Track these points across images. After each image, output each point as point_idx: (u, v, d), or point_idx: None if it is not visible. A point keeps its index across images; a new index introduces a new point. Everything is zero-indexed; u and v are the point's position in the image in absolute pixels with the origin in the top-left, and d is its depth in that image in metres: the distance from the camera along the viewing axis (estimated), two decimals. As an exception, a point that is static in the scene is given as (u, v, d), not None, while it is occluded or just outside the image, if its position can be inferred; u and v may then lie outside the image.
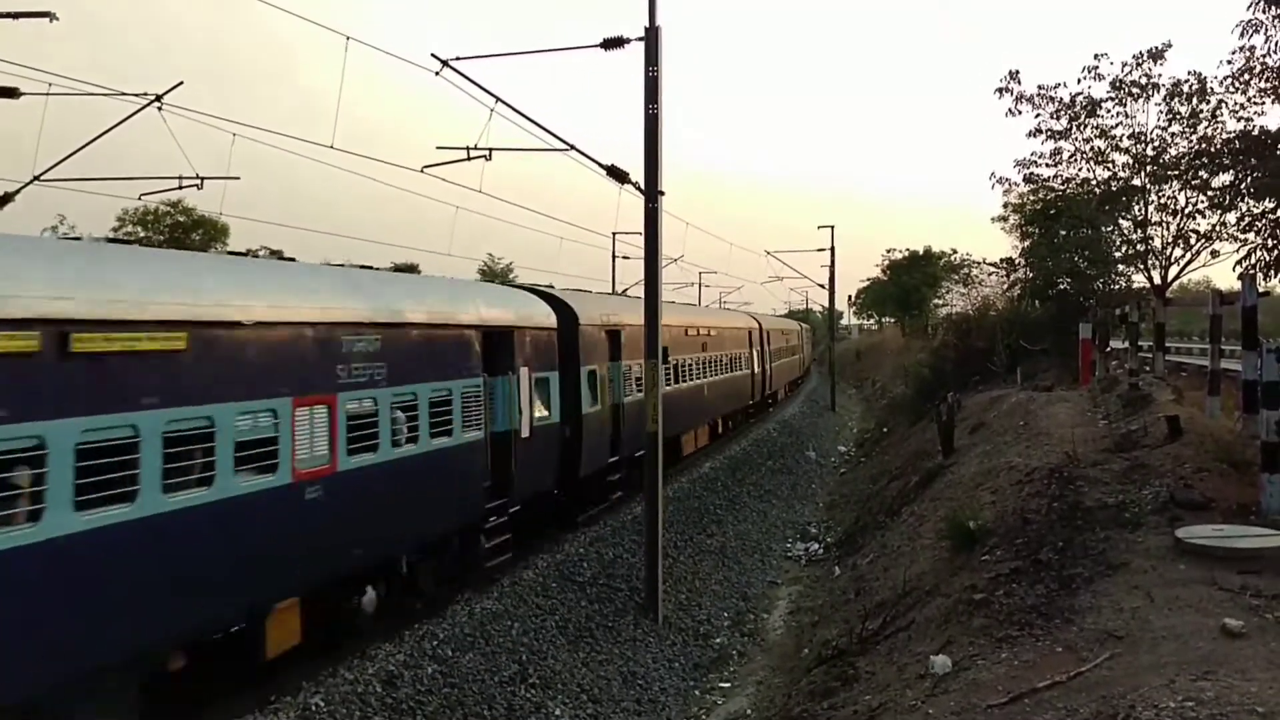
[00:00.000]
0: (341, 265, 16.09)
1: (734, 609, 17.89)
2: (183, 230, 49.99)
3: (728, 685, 14.57)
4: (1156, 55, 30.05)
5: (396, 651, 12.36)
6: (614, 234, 46.83)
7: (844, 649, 12.45)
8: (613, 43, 16.14)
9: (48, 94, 17.35)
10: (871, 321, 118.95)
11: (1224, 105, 28.87)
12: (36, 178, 18.78)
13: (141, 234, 49.28)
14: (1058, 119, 31.46)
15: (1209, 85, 29.17)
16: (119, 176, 22.87)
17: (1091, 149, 31.68)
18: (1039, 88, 31.36)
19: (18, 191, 19.02)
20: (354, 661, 11.90)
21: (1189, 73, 29.99)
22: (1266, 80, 26.42)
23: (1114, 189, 31.73)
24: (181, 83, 17.16)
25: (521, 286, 20.27)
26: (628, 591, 16.75)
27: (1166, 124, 30.44)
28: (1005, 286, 40.77)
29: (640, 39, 16.05)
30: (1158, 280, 32.01)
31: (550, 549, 17.87)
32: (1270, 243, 25.26)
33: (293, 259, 13.43)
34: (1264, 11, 20.13)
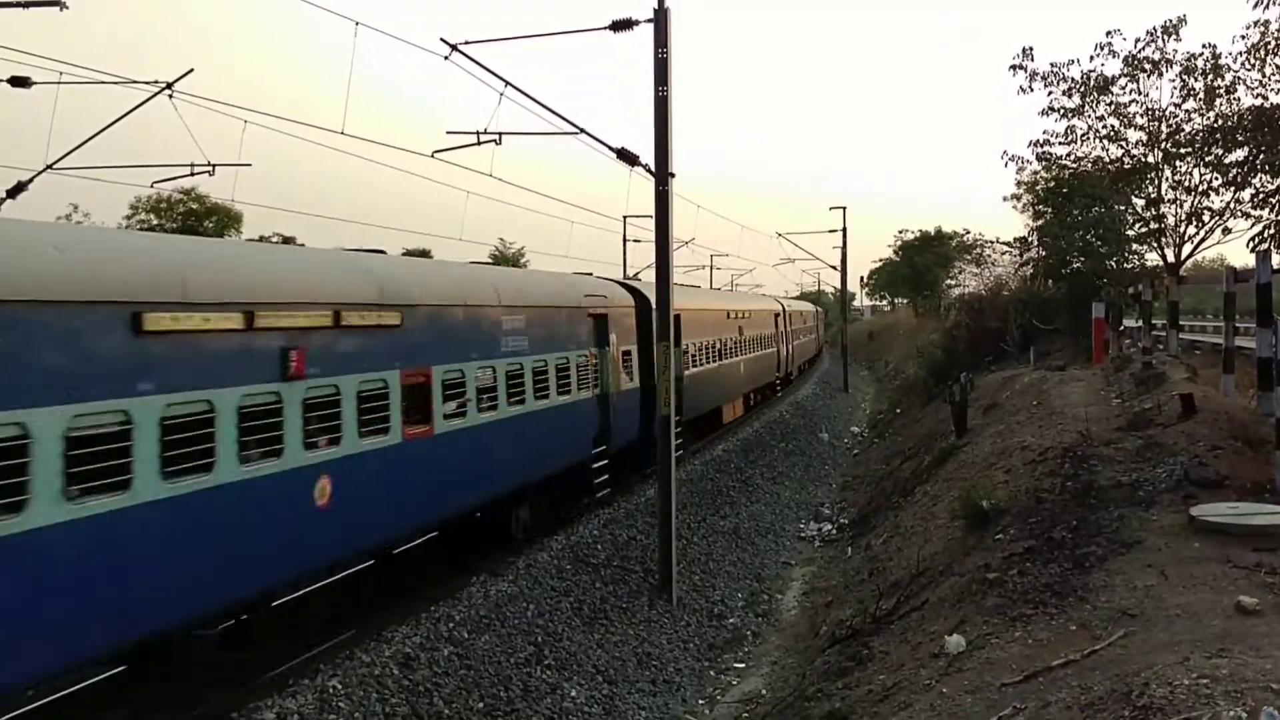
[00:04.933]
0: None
1: (748, 590, 17.94)
2: (196, 218, 50.05)
3: (742, 666, 14.63)
4: (1171, 31, 29.79)
5: (413, 633, 12.43)
6: (625, 217, 46.81)
7: (858, 629, 12.50)
8: (622, 25, 16.10)
9: (59, 83, 17.41)
10: (884, 302, 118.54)
11: (1240, 82, 28.66)
12: (49, 166, 18.87)
13: (155, 222, 49.37)
14: (1070, 96, 31.27)
15: (1223, 61, 28.95)
16: (131, 164, 22.94)
17: (1105, 126, 31.49)
18: (1051, 65, 31.18)
19: (31, 180, 19.12)
20: (371, 643, 11.99)
21: (1203, 45, 29.76)
22: (1281, 55, 26.24)
23: (1127, 166, 31.54)
24: (192, 70, 17.20)
25: (606, 279, 23.86)
26: (642, 573, 16.81)
27: (1181, 100, 30.22)
28: (1018, 266, 40.63)
29: (649, 21, 16.00)
30: (1171, 258, 31.85)
31: (564, 531, 17.94)
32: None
33: (303, 244, 14.46)
34: None
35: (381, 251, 15.26)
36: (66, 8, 16.81)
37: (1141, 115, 31.02)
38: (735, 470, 26.38)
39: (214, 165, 20.10)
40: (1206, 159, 29.51)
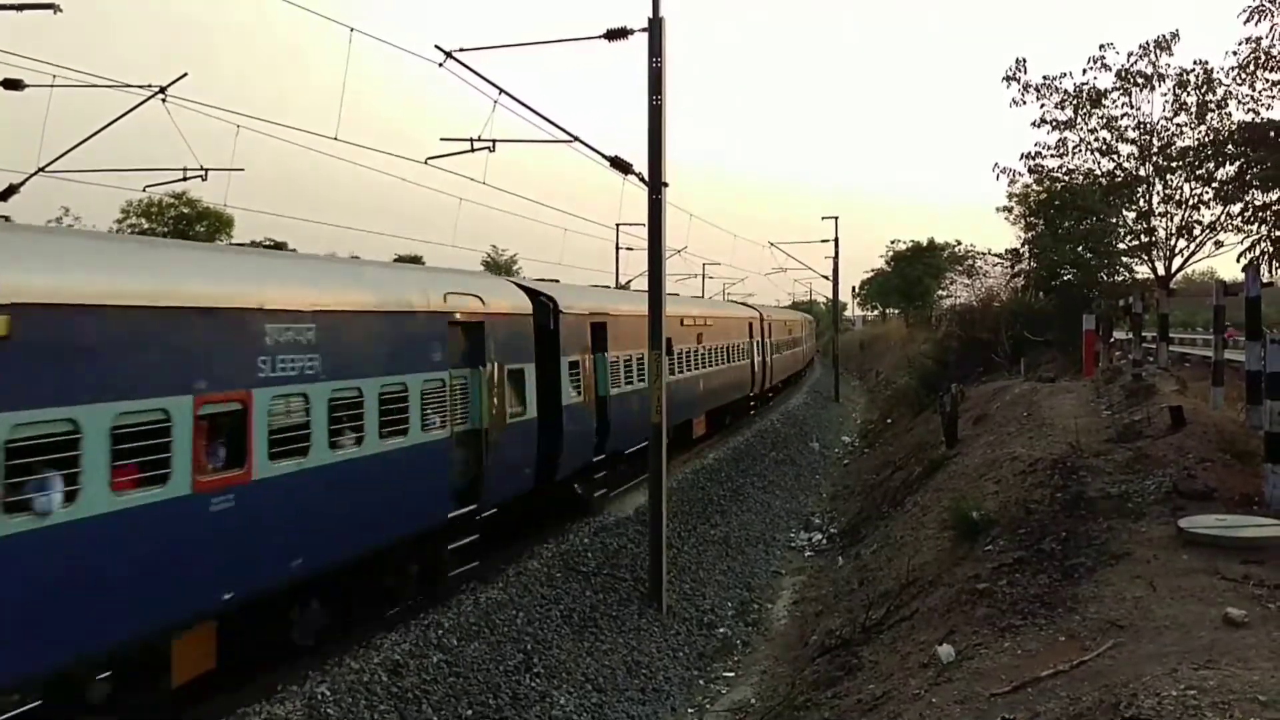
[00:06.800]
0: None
1: (738, 599, 17.94)
2: (187, 222, 49.96)
3: (732, 674, 14.62)
4: (1164, 46, 29.95)
5: (402, 641, 12.42)
6: (617, 225, 46.91)
7: (848, 638, 12.50)
8: (616, 34, 16.11)
9: (52, 85, 17.37)
10: (875, 312, 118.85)
11: (1230, 96, 28.84)
12: (41, 169, 18.81)
13: (146, 226, 49.26)
14: (1062, 109, 31.42)
15: (1215, 76, 29.13)
16: (124, 168, 22.91)
17: (1097, 139, 31.64)
18: (1044, 78, 31.34)
19: (23, 183, 19.05)
20: (360, 650, 11.96)
21: (1195, 62, 29.94)
22: (1272, 69, 26.41)
23: (1119, 179, 31.68)
24: (185, 74, 17.19)
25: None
26: (632, 581, 16.80)
27: (1173, 114, 30.38)
28: (1009, 277, 40.77)
29: (644, 30, 16.03)
30: (1161, 271, 32.02)
31: (554, 538, 17.94)
32: (1274, 233, 25.26)
33: (294, 250, 15.27)
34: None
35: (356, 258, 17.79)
36: (60, 10, 16.79)
37: (1133, 129, 31.20)
38: (726, 479, 26.39)
39: (206, 169, 20.09)
40: (1198, 173, 29.67)
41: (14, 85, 18.27)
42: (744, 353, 36.94)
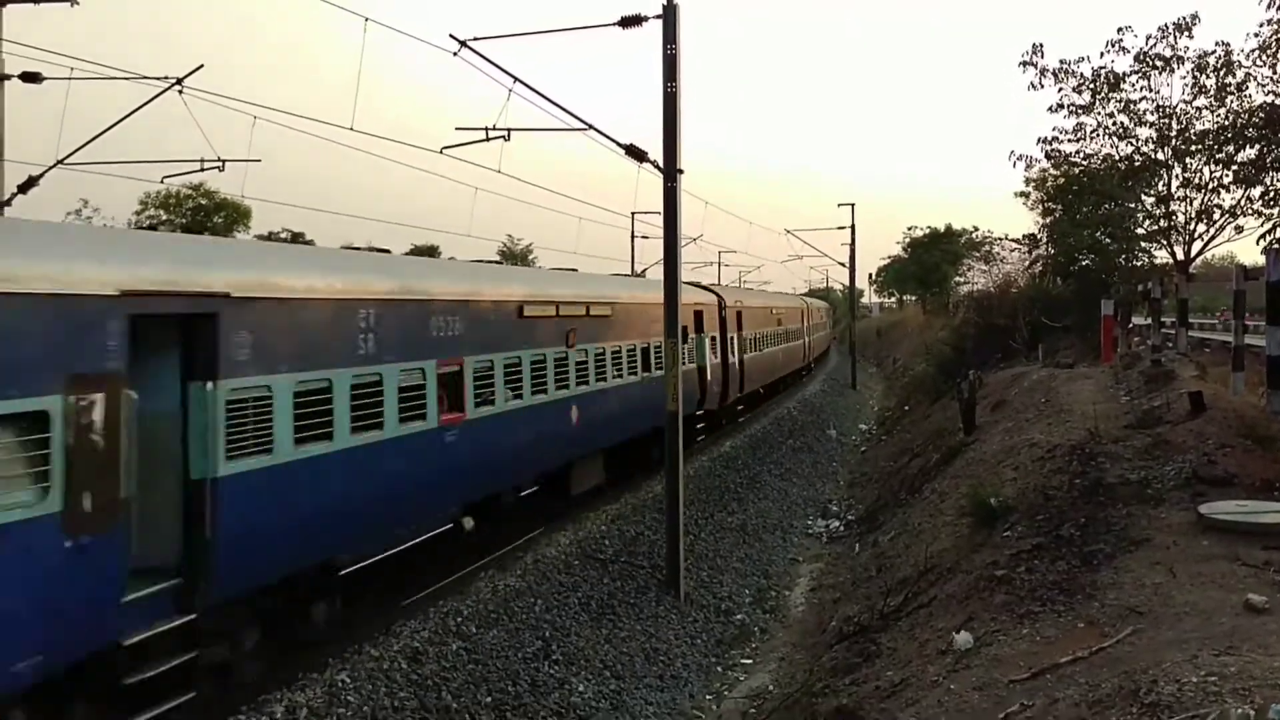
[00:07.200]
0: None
1: (755, 586, 17.95)
2: (205, 213, 50.10)
3: (750, 661, 14.65)
4: (1183, 28, 29.64)
5: (421, 628, 12.48)
6: (633, 214, 46.89)
7: (866, 625, 12.51)
8: (631, 21, 16.06)
9: (70, 78, 17.52)
10: (892, 299, 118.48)
11: (1251, 79, 28.55)
12: (60, 162, 18.94)
13: (164, 217, 49.46)
14: (1080, 93, 31.16)
15: (1235, 58, 28.85)
16: (142, 160, 23.06)
17: (1115, 124, 31.38)
18: (1060, 62, 31.07)
19: (41, 175, 19.20)
20: (379, 638, 12.03)
21: (1216, 43, 29.64)
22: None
23: (1137, 164, 31.43)
24: (202, 66, 17.27)
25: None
26: (649, 569, 16.83)
27: (1192, 97, 30.10)
28: (1027, 263, 40.57)
29: (658, 17, 15.98)
30: (1181, 256, 31.75)
31: (572, 526, 17.98)
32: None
33: (311, 241, 14.84)
34: None
35: (387, 251, 16.31)
36: (78, 3, 16.90)
37: (1152, 112, 30.92)
38: (743, 467, 26.39)
39: (224, 160, 20.20)
40: (1217, 156, 29.41)
41: (32, 78, 18.40)
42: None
